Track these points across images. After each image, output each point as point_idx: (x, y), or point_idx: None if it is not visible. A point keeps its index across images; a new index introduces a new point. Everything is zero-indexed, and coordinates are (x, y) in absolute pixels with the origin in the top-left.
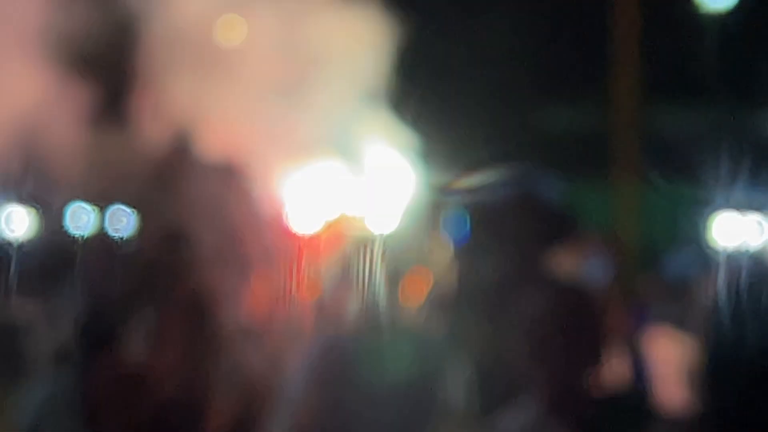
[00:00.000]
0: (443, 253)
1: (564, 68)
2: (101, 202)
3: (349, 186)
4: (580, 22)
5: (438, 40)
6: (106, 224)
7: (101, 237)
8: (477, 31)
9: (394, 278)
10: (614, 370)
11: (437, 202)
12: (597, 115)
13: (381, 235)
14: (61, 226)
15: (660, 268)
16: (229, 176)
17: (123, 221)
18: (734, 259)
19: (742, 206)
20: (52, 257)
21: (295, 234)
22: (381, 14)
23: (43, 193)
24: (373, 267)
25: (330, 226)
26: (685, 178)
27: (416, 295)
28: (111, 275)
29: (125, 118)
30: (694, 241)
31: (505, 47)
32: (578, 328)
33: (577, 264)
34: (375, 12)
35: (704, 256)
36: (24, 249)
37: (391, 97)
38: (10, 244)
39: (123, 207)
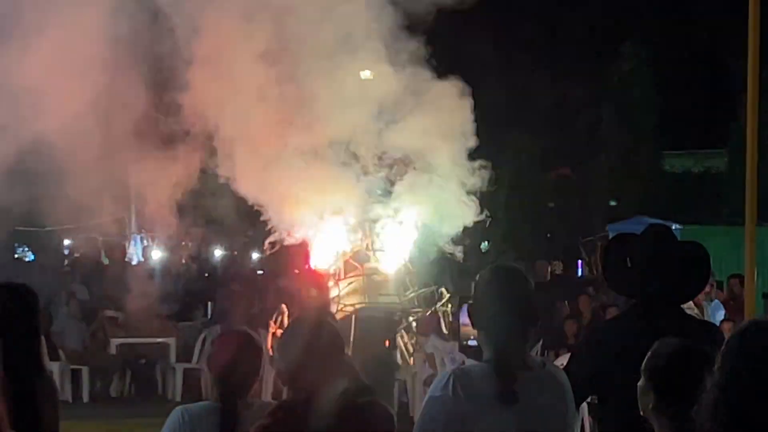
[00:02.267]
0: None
1: (689, 116)
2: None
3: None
4: (706, 71)
5: (571, 88)
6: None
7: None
8: (605, 80)
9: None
10: None
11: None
12: (721, 161)
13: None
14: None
15: None
16: None
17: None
18: None
19: None
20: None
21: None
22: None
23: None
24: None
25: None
26: None
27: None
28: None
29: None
30: None
31: (631, 96)
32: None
33: (703, 306)
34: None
35: None
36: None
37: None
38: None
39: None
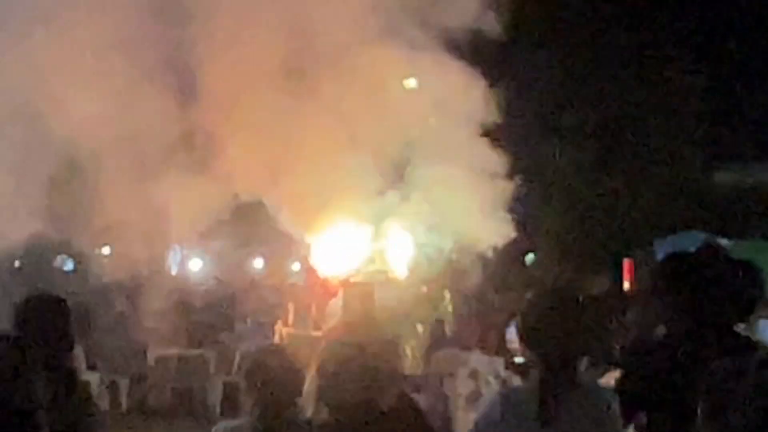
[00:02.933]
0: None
1: (741, 127)
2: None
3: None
4: (760, 80)
5: (619, 98)
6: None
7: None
8: (654, 89)
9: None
10: None
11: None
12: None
13: None
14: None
15: None
16: None
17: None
18: None
19: None
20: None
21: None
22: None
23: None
24: None
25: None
26: None
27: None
28: None
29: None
30: None
31: (678, 110)
32: None
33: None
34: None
35: None
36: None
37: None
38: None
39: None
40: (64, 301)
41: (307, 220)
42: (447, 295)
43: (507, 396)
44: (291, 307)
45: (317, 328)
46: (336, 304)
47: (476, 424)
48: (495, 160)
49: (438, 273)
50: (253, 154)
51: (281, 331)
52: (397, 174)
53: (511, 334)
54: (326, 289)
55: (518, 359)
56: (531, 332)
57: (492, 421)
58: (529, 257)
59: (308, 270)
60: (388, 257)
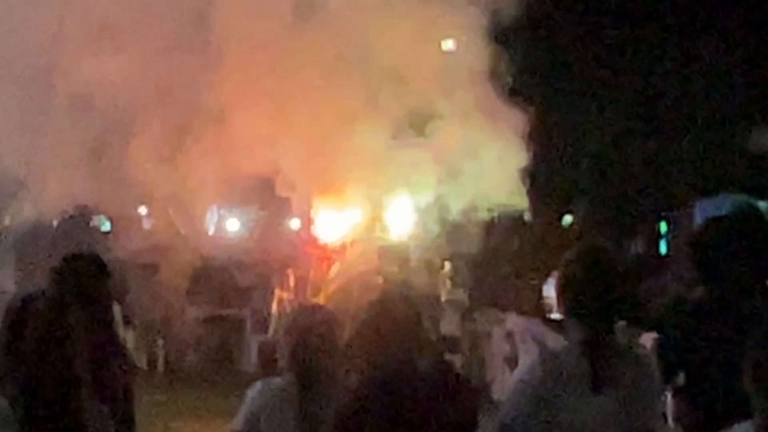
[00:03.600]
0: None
1: None
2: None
3: None
4: None
5: (658, 61)
6: None
7: None
8: (694, 52)
9: None
10: None
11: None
12: None
13: None
14: None
15: None
16: None
17: None
18: None
19: None
20: None
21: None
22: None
23: None
24: None
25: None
26: None
27: None
28: None
29: None
30: None
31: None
32: None
33: None
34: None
35: None
36: None
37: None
38: None
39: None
40: (101, 260)
41: (312, 182)
42: (447, 264)
43: (547, 357)
44: (290, 272)
45: (315, 293)
46: (337, 268)
47: (516, 385)
48: (523, 122)
49: (440, 238)
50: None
51: (280, 296)
52: (418, 132)
53: (548, 290)
54: (324, 255)
55: (554, 315)
56: (569, 293)
57: (532, 382)
58: (566, 219)
59: (305, 234)
60: (391, 223)
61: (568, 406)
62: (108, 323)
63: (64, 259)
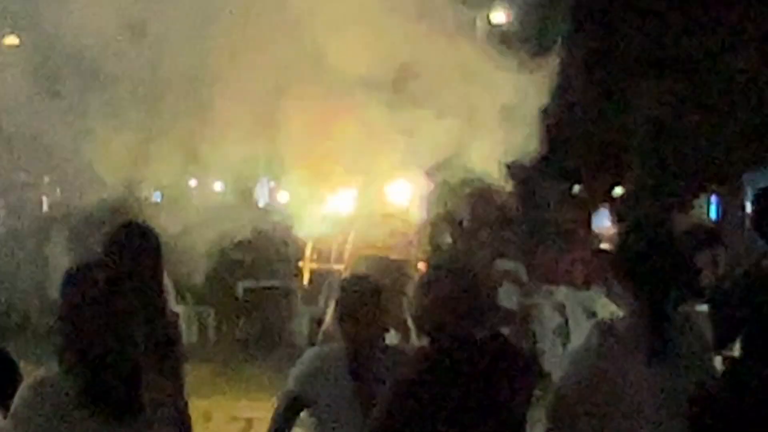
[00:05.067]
0: None
1: None
2: None
3: None
4: None
5: (709, 32)
6: None
7: None
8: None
9: None
10: None
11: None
12: None
13: None
14: None
15: None
16: None
17: None
18: None
19: None
20: None
21: None
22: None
23: None
24: None
25: None
26: None
27: None
28: None
29: None
30: None
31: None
32: None
33: None
34: None
35: None
36: None
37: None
38: None
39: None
40: (154, 231)
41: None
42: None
43: (604, 328)
44: (309, 241)
45: (338, 260)
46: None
47: (573, 355)
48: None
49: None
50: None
51: (305, 267)
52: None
53: (601, 221)
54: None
55: (605, 246)
56: (626, 265)
57: (589, 353)
58: (617, 190)
59: None
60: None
61: (625, 378)
62: (159, 294)
63: (118, 230)
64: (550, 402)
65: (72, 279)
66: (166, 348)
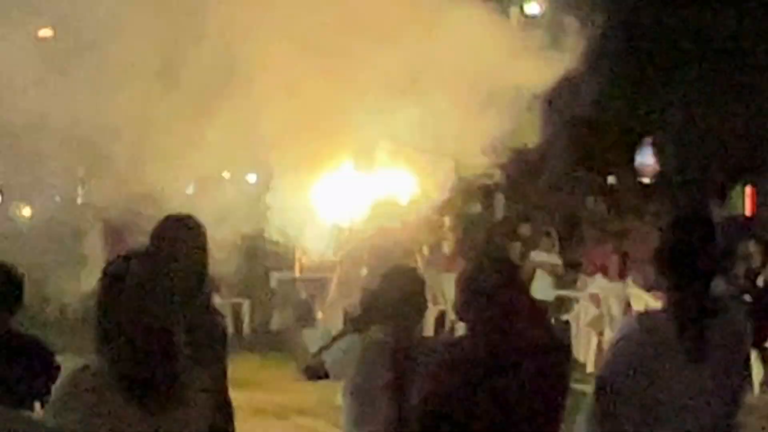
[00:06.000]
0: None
1: None
2: None
3: None
4: None
5: (747, 19)
6: None
7: None
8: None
9: None
10: None
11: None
12: None
13: None
14: None
15: None
16: None
17: None
18: None
19: None
20: None
21: None
22: None
23: None
24: None
25: None
26: None
27: None
28: None
29: None
30: None
31: None
32: None
33: None
34: None
35: None
36: None
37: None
38: None
39: None
40: (197, 222)
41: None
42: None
43: (644, 320)
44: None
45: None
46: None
47: (615, 347)
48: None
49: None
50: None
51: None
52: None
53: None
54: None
55: (646, 179)
56: (668, 261)
57: (630, 346)
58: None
59: None
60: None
61: (666, 374)
62: (205, 288)
63: (164, 221)
64: (593, 395)
65: (113, 270)
66: (210, 340)
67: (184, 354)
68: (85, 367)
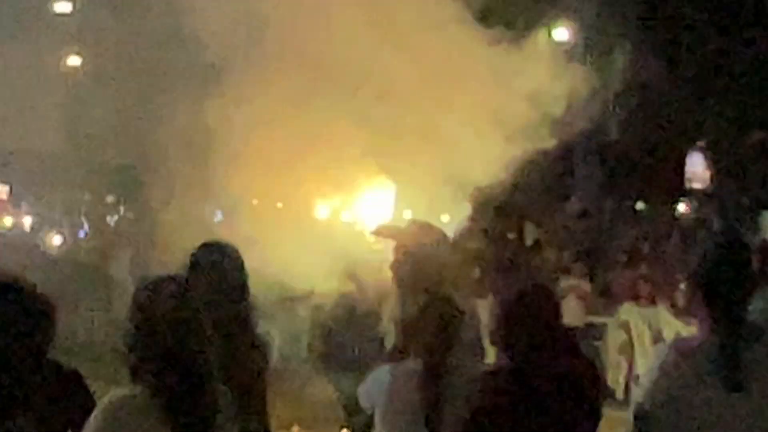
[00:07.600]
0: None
1: None
2: None
3: None
4: None
5: None
6: None
7: None
8: None
9: None
10: None
11: None
12: None
13: None
14: None
15: None
16: None
17: None
18: None
19: None
20: None
21: None
22: None
23: None
24: None
25: None
26: None
27: None
28: None
29: None
30: None
31: None
32: None
33: None
34: None
35: None
36: None
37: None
38: None
39: None
40: (236, 249)
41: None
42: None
43: (680, 347)
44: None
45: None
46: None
47: (652, 373)
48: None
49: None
50: None
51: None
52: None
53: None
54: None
55: (697, 185)
56: (706, 290)
57: (667, 373)
58: (680, 207)
59: None
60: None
61: (703, 403)
62: (242, 312)
63: (201, 249)
64: (632, 424)
65: (147, 296)
66: (251, 368)
67: (223, 381)
68: (125, 395)
